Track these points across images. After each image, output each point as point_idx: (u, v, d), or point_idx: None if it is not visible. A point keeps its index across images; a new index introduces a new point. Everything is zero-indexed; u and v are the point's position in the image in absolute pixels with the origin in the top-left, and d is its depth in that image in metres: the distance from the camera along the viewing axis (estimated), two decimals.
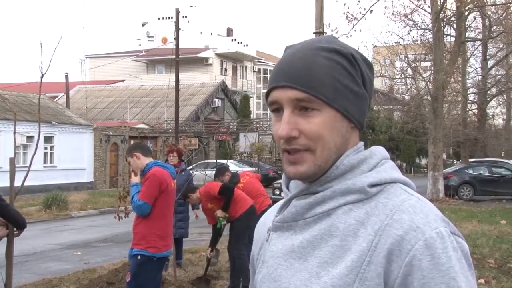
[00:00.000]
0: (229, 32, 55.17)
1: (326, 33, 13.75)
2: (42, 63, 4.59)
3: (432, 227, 1.01)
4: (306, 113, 1.08)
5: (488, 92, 29.72)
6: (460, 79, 27.44)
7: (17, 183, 4.86)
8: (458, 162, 41.84)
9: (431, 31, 22.58)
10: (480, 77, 30.99)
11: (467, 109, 31.00)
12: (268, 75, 56.07)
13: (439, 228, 1.02)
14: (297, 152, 1.09)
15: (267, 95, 1.14)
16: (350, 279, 1.02)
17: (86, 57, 52.89)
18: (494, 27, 26.14)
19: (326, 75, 1.08)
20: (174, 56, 23.14)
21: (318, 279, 1.05)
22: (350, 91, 1.10)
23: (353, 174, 1.10)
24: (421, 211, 1.04)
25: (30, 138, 24.28)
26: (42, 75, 4.47)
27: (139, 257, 4.94)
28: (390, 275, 1.01)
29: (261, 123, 39.31)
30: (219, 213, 6.87)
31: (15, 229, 4.60)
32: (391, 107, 32.09)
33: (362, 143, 1.15)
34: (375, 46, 27.20)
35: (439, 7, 21.05)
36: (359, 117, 1.12)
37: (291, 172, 1.11)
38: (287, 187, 1.20)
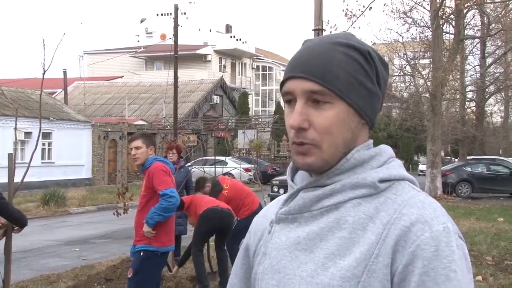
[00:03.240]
0: (228, 29, 55.10)
1: (325, 30, 13.73)
2: (44, 60, 4.57)
3: (440, 222, 1.03)
4: (319, 105, 1.10)
5: (487, 89, 29.74)
6: (458, 76, 27.44)
7: (16, 179, 4.86)
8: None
9: (430, 29, 22.58)
10: (478, 74, 31.01)
11: (466, 107, 31.01)
12: (267, 72, 56.16)
13: (446, 223, 1.03)
14: (304, 145, 1.10)
15: (281, 85, 1.15)
16: (359, 271, 1.03)
17: (85, 53, 52.75)
18: (493, 25, 26.13)
19: (342, 70, 1.09)
20: (172, 53, 23.11)
21: (325, 270, 1.05)
22: (364, 87, 1.11)
23: (363, 169, 1.11)
24: (429, 206, 1.06)
25: (28, 134, 24.25)
26: (44, 72, 4.45)
27: (141, 253, 4.94)
28: (393, 264, 1.02)
29: (260, 120, 39.28)
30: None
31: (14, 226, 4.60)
32: (390, 104, 32.06)
33: (371, 140, 1.17)
34: (374, 43, 27.10)
35: (438, 5, 21.03)
36: (370, 114, 1.14)
37: (299, 162, 1.12)
38: (292, 180, 1.21)
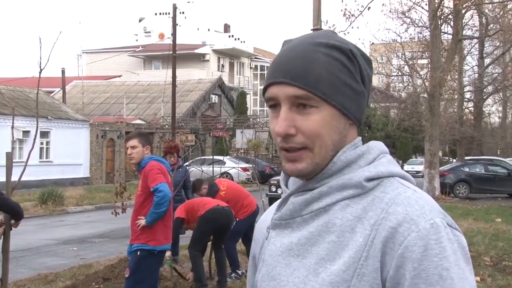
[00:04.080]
0: (226, 28, 55.08)
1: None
2: (41, 58, 4.57)
3: (427, 218, 1.00)
4: (304, 110, 1.07)
5: (485, 90, 29.78)
6: (456, 77, 27.45)
7: (13, 178, 4.85)
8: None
9: (428, 29, 22.58)
10: (476, 75, 31.04)
11: (464, 107, 31.04)
12: (265, 72, 56.07)
13: (434, 219, 1.00)
14: (294, 150, 1.08)
15: (264, 90, 1.12)
16: (348, 275, 1.01)
17: (83, 52, 52.72)
18: (491, 25, 26.13)
19: (325, 72, 1.06)
20: (171, 52, 23.11)
21: (315, 276, 1.04)
22: (349, 87, 1.09)
23: (351, 169, 1.09)
24: (416, 202, 1.03)
25: (26, 133, 24.21)
26: (41, 70, 4.44)
27: (138, 252, 4.93)
28: (384, 268, 1.00)
29: (258, 119, 39.28)
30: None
31: (12, 221, 4.62)
32: (388, 104, 32.09)
33: (359, 138, 1.14)
34: (372, 43, 27.22)
35: (436, 5, 21.04)
36: (357, 113, 1.11)
37: (289, 169, 1.10)
38: (286, 185, 1.19)
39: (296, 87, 1.06)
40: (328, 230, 1.06)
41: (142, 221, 4.91)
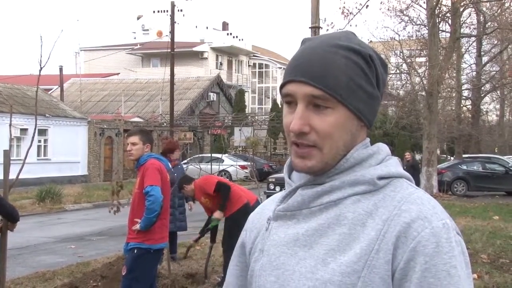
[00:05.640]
0: (225, 26, 55.04)
1: (321, 28, 13.72)
2: (41, 57, 4.56)
3: (439, 218, 1.05)
4: (320, 110, 1.10)
5: (482, 88, 29.82)
6: (454, 75, 27.50)
7: (11, 176, 4.85)
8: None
9: (427, 27, 22.60)
10: (474, 73, 31.09)
11: (462, 105, 31.10)
12: (263, 70, 56.14)
13: (445, 220, 1.06)
14: (305, 147, 1.11)
15: (281, 86, 1.15)
16: (359, 266, 1.04)
17: (81, 50, 52.66)
18: (489, 23, 26.19)
19: (343, 75, 1.09)
20: (169, 50, 23.08)
21: (325, 266, 1.07)
22: (364, 91, 1.12)
23: (362, 167, 1.13)
24: (428, 202, 1.08)
25: (23, 131, 24.18)
26: (41, 69, 4.44)
27: (135, 250, 4.93)
28: (394, 260, 1.04)
29: (256, 117, 39.30)
30: (217, 214, 6.73)
31: (8, 223, 4.60)
32: (386, 102, 32.11)
33: (368, 139, 1.18)
34: (371, 41, 27.11)
35: (434, 3, 21.05)
36: (370, 116, 1.15)
37: (299, 165, 1.13)
38: (289, 177, 1.21)
39: (314, 87, 1.09)
40: (339, 222, 1.09)
41: (137, 226, 4.91)
